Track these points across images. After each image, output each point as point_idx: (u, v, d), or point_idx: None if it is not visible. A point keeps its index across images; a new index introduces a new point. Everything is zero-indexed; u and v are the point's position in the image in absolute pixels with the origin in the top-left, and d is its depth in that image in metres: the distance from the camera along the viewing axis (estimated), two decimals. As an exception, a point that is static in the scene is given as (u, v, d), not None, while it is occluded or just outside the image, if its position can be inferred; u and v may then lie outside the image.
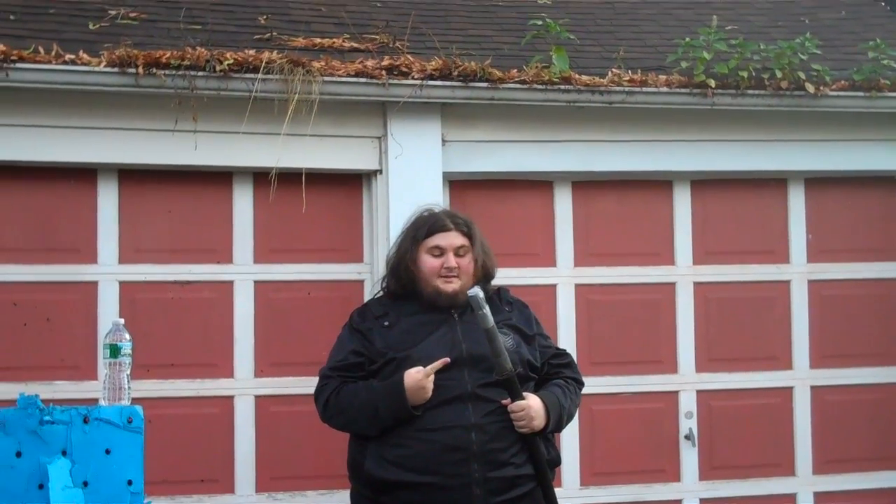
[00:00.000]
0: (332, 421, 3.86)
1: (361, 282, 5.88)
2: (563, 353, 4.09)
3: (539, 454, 3.74)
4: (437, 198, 5.69)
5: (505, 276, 5.88)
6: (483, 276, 3.95)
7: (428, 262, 3.87)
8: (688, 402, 6.24)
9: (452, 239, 3.90)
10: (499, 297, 4.00)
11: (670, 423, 6.23)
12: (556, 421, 3.78)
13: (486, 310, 3.61)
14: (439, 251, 3.87)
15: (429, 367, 3.63)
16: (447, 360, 3.66)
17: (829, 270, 6.48)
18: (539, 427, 3.71)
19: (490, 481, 3.63)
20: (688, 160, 6.21)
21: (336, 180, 5.92)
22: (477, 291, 3.63)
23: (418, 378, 3.63)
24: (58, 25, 5.79)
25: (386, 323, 3.85)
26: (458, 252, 3.88)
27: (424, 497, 3.64)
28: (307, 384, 5.29)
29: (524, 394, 3.70)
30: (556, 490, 5.67)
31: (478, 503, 3.62)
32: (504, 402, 3.67)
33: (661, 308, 6.28)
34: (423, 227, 3.94)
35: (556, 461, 3.92)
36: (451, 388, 3.68)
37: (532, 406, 3.68)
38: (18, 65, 5.27)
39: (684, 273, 6.31)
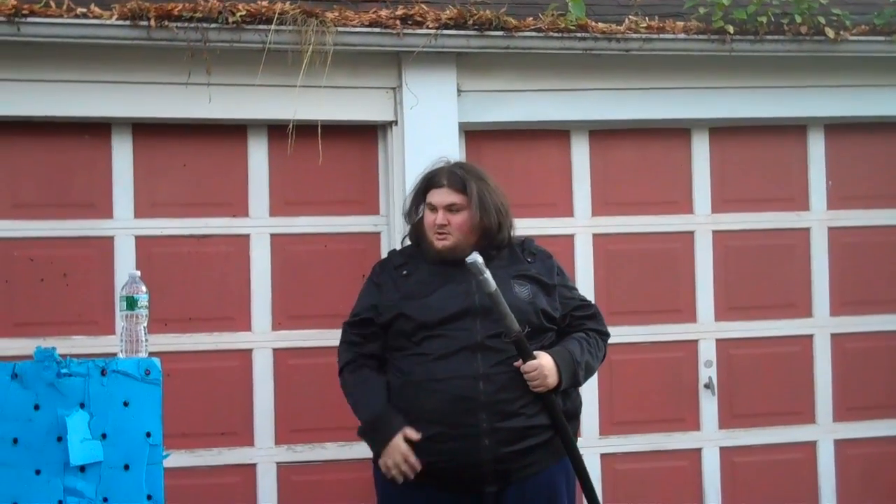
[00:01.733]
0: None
1: (378, 234, 5.86)
2: (588, 305, 4.10)
3: (555, 409, 3.74)
4: (452, 148, 5.67)
5: (522, 227, 5.84)
6: (483, 233, 3.95)
7: (426, 217, 3.99)
8: (707, 351, 6.22)
9: (443, 196, 3.95)
10: (522, 248, 4.03)
11: (690, 372, 6.21)
12: (571, 376, 3.80)
13: (487, 274, 3.64)
14: (433, 207, 3.96)
15: (410, 456, 3.70)
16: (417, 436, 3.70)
17: (849, 217, 6.43)
18: (553, 385, 3.72)
19: (499, 431, 3.66)
20: (706, 107, 6.14)
21: (351, 132, 5.87)
22: (475, 258, 3.65)
23: (399, 452, 3.71)
24: (69, -22, 5.74)
25: (405, 272, 3.92)
26: (449, 209, 3.92)
27: (435, 447, 3.68)
28: (325, 337, 5.36)
29: (535, 353, 3.70)
30: (577, 440, 5.75)
31: (486, 453, 3.65)
32: (515, 363, 3.68)
33: (680, 257, 6.24)
34: (424, 182, 4.06)
35: (574, 412, 3.93)
36: (461, 338, 3.73)
37: (544, 365, 3.71)
38: (30, 19, 5.23)
39: (703, 221, 6.27)
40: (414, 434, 3.71)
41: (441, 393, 3.68)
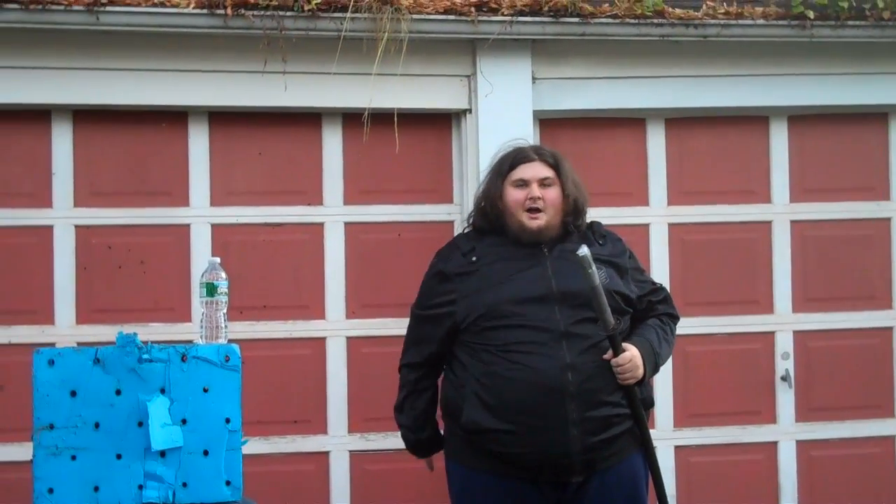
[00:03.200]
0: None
1: (451, 222, 5.84)
2: (660, 289, 4.04)
3: (637, 400, 3.69)
4: (527, 137, 5.59)
5: (597, 216, 5.78)
6: (573, 211, 3.89)
7: (512, 194, 3.83)
8: (784, 343, 6.12)
9: (537, 170, 3.85)
10: (591, 232, 3.95)
11: (766, 364, 6.12)
12: (653, 367, 3.78)
13: (594, 268, 3.55)
14: (523, 183, 3.83)
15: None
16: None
17: (930, 207, 6.30)
18: (640, 376, 3.67)
19: (587, 421, 3.59)
20: (785, 95, 6.04)
21: (424, 120, 5.86)
22: (585, 250, 3.55)
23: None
24: (147, -32, 5.79)
25: (474, 258, 3.82)
26: (543, 183, 3.83)
27: (522, 439, 3.60)
28: (398, 325, 5.32)
29: (624, 345, 3.65)
30: (651, 432, 5.69)
31: (575, 443, 3.58)
32: (605, 356, 3.62)
33: (757, 247, 6.15)
34: (508, 160, 3.92)
35: (651, 402, 3.88)
36: (545, 326, 3.63)
37: (634, 357, 3.65)
38: (108, 8, 5.28)
39: (781, 211, 6.17)
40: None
41: (529, 384, 3.59)
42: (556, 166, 3.89)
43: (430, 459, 4.09)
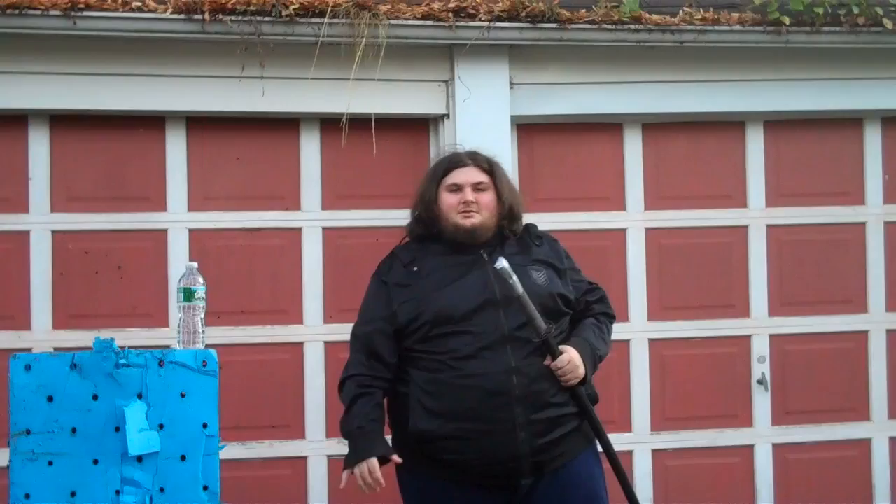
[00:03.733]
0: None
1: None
2: (596, 288, 4.08)
3: (584, 399, 3.74)
4: (504, 141, 5.68)
5: (574, 220, 5.93)
6: (508, 215, 3.93)
7: (447, 199, 3.89)
8: (760, 347, 6.15)
9: (470, 175, 3.91)
10: (528, 234, 3.98)
11: (743, 367, 6.15)
12: (593, 366, 3.81)
13: (515, 279, 3.61)
14: (457, 187, 3.89)
15: (377, 476, 3.64)
16: (399, 461, 3.69)
17: (906, 212, 6.34)
18: (582, 375, 3.70)
19: (534, 423, 3.63)
20: (761, 100, 6.07)
21: (402, 125, 5.87)
22: (503, 263, 3.62)
23: (370, 470, 3.65)
24: (124, -27, 5.78)
25: (415, 269, 3.83)
26: (476, 187, 3.88)
27: (470, 444, 3.62)
28: (377, 330, 5.33)
29: (561, 347, 3.68)
30: (627, 435, 5.76)
31: (523, 446, 3.62)
32: (546, 362, 3.67)
33: (734, 251, 6.18)
34: (442, 165, 4.00)
35: (595, 397, 3.88)
36: (489, 332, 3.66)
37: (573, 359, 3.68)
38: (86, 12, 5.27)
39: (757, 216, 6.20)
40: (397, 459, 3.70)
41: (475, 390, 3.60)
42: (490, 171, 3.94)
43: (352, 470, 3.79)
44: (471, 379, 3.61)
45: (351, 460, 3.72)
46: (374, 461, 3.66)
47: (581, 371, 3.70)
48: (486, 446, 3.60)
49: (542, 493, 3.70)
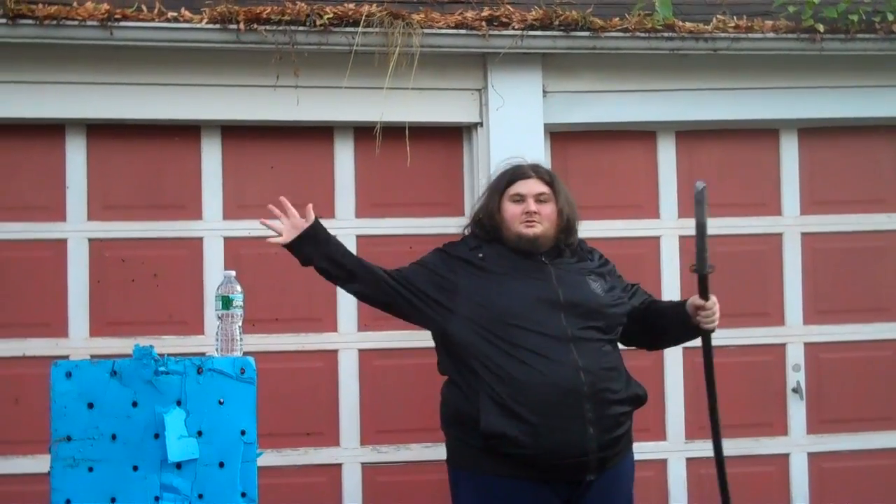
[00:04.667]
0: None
1: (462, 235, 5.85)
2: (637, 285, 4.16)
3: (711, 348, 3.94)
4: (538, 149, 5.67)
5: (608, 228, 5.93)
6: (566, 228, 3.98)
7: (509, 209, 3.94)
8: (795, 355, 6.13)
9: (532, 186, 3.96)
10: (581, 248, 4.06)
11: (778, 376, 6.13)
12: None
13: (706, 205, 3.70)
14: (520, 198, 3.94)
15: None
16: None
17: (942, 219, 6.30)
18: (717, 324, 3.89)
19: (602, 419, 3.69)
20: (795, 108, 6.06)
21: (436, 133, 5.90)
22: (702, 185, 3.68)
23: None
24: (160, -17, 5.83)
25: (481, 255, 3.90)
26: (538, 198, 3.94)
27: (542, 440, 3.63)
28: (410, 338, 5.38)
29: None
30: (662, 443, 5.75)
31: (592, 442, 3.66)
32: (696, 302, 3.83)
33: (768, 259, 6.17)
34: (506, 177, 4.04)
35: (645, 397, 3.92)
36: (555, 333, 3.72)
37: (716, 304, 3.86)
38: (122, 23, 5.34)
39: (791, 223, 6.18)
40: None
41: (547, 387, 3.64)
42: (551, 184, 4.01)
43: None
44: (543, 376, 3.65)
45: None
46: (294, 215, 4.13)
47: (718, 317, 3.87)
48: (557, 441, 3.64)
49: (596, 488, 3.74)
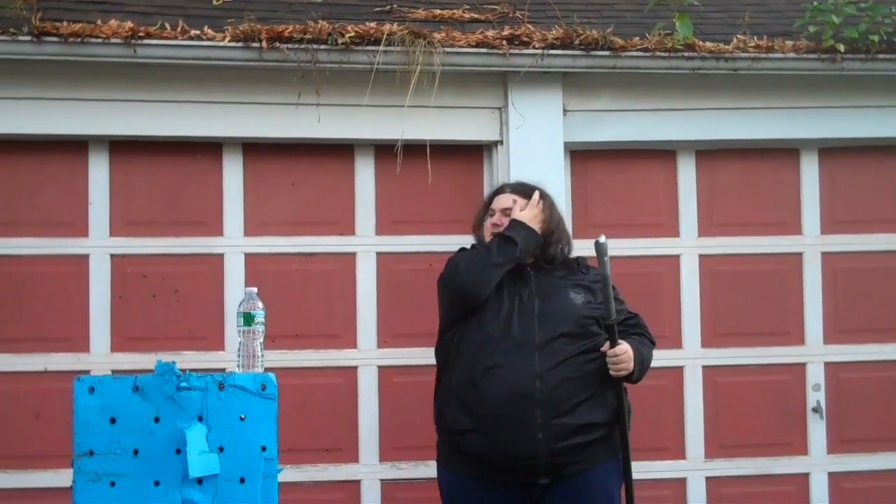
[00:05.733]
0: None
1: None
2: (634, 315, 4.31)
3: (623, 396, 4.02)
4: (558, 168, 5.72)
5: (628, 247, 5.95)
6: (547, 239, 4.19)
7: (486, 223, 4.32)
8: (815, 375, 6.11)
9: (502, 201, 4.28)
10: (577, 264, 4.28)
11: (797, 395, 6.11)
12: (639, 368, 4.06)
13: (608, 258, 3.90)
14: (492, 213, 4.30)
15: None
16: None
17: (964, 239, 6.27)
18: (629, 371, 3.97)
19: (552, 427, 3.86)
20: (816, 127, 6.06)
21: (456, 152, 5.91)
22: (604, 239, 3.91)
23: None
24: (184, 1, 5.86)
25: None
26: (505, 212, 4.23)
27: (492, 439, 3.89)
28: (429, 355, 5.30)
29: (619, 341, 3.95)
30: (682, 462, 5.73)
31: (540, 447, 3.86)
32: (603, 348, 3.95)
33: (788, 279, 6.15)
34: (490, 194, 4.46)
35: (629, 409, 4.11)
36: (522, 340, 3.96)
37: (627, 351, 3.96)
38: (146, 41, 5.38)
39: (812, 243, 6.17)
40: None
41: (501, 389, 3.89)
42: (523, 194, 4.28)
43: None
44: (499, 380, 3.90)
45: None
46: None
47: (630, 366, 3.96)
48: (506, 442, 3.87)
49: (559, 495, 3.93)
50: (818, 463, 6.09)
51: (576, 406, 3.89)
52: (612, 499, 4.04)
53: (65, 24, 5.34)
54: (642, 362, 4.07)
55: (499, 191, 4.38)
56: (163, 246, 5.72)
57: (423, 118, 5.56)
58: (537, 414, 3.85)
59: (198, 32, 5.44)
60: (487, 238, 4.22)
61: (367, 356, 5.81)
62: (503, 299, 4.04)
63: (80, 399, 3.33)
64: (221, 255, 5.75)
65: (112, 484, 3.31)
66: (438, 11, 5.98)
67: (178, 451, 3.33)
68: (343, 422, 5.79)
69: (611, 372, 3.94)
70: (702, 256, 6.08)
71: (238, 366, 3.48)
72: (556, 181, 5.76)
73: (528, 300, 4.04)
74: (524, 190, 4.31)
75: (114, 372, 5.31)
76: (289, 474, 5.48)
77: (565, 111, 5.85)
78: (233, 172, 5.79)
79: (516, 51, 5.64)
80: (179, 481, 3.32)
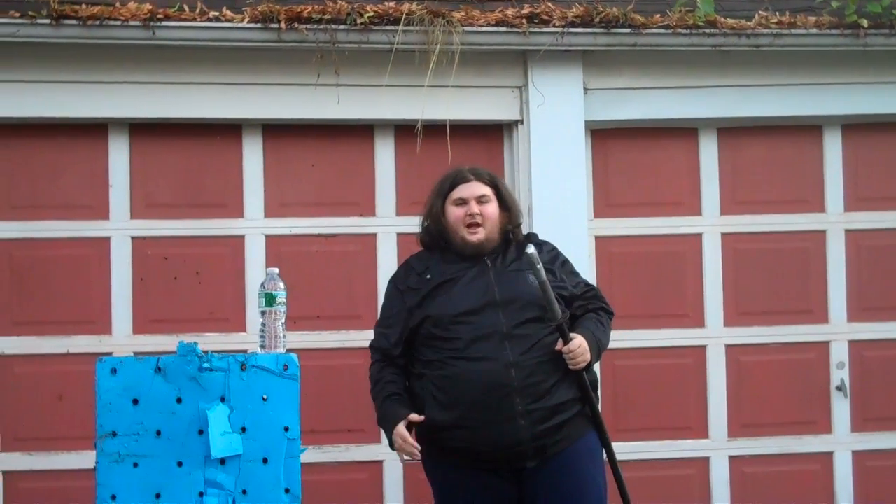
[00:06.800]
0: None
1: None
2: (591, 288, 4.36)
3: (587, 385, 4.04)
4: (578, 147, 5.70)
5: (649, 225, 5.93)
6: (504, 226, 4.21)
7: (453, 212, 4.19)
8: (839, 353, 6.08)
9: (474, 189, 4.19)
10: (528, 242, 4.20)
11: (821, 374, 6.08)
12: (596, 354, 4.10)
13: (541, 265, 3.91)
14: (462, 201, 4.18)
15: (408, 439, 3.96)
16: (420, 418, 3.97)
17: None
18: (587, 361, 4.00)
19: (533, 412, 3.90)
20: (839, 104, 6.01)
21: (476, 131, 5.89)
22: (533, 250, 3.93)
23: (399, 437, 3.95)
24: (201, -18, 5.86)
25: (428, 276, 4.14)
26: (480, 200, 4.17)
27: (476, 433, 3.91)
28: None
29: (571, 334, 3.98)
30: (704, 441, 5.71)
31: (524, 433, 3.89)
32: (557, 347, 3.95)
33: (811, 257, 6.11)
34: (448, 181, 4.29)
35: (595, 383, 4.14)
36: (489, 329, 3.96)
37: (582, 344, 3.98)
38: (164, 23, 5.37)
39: (835, 220, 6.13)
40: (417, 417, 3.97)
41: (478, 383, 3.90)
42: (492, 184, 4.25)
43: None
44: (474, 374, 3.92)
45: (389, 439, 4.06)
46: (401, 428, 3.96)
47: (588, 356, 3.99)
48: (491, 434, 3.90)
49: (546, 472, 3.97)
50: (842, 441, 6.06)
51: (551, 388, 3.94)
52: (594, 467, 4.08)
53: (83, 6, 5.34)
54: (599, 346, 4.11)
55: (461, 178, 4.24)
56: (184, 228, 5.73)
57: (442, 98, 5.54)
58: (517, 402, 3.89)
59: (216, 14, 5.43)
60: (462, 231, 4.13)
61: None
62: (462, 293, 4.04)
63: (103, 381, 3.34)
64: (242, 237, 5.75)
65: (135, 465, 3.33)
66: (457, -10, 5.96)
67: (200, 432, 3.34)
68: (364, 402, 5.68)
69: (570, 367, 3.96)
70: (724, 235, 6.05)
71: (260, 346, 3.49)
72: (577, 160, 5.75)
73: (489, 290, 4.04)
74: (487, 178, 4.25)
75: (136, 354, 5.30)
76: (311, 455, 5.47)
77: (586, 90, 5.81)
78: (253, 154, 5.79)
79: (536, 29, 5.61)
80: (202, 462, 3.34)
